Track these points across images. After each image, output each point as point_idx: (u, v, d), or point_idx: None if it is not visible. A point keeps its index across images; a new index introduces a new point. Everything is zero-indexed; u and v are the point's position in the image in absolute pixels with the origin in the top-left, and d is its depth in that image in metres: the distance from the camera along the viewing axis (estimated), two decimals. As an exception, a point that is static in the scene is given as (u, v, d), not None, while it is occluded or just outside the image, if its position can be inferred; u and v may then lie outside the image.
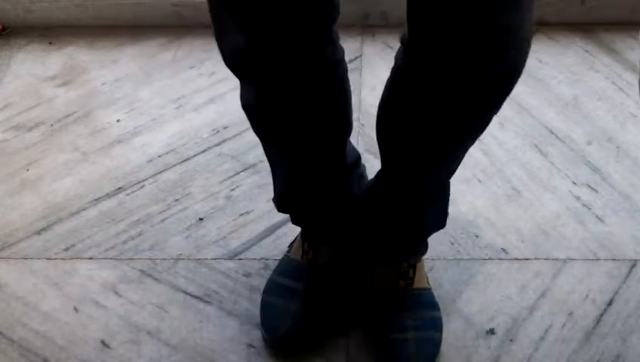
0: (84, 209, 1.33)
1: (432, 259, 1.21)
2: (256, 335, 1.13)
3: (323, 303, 1.11)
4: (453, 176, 1.33)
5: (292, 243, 1.17)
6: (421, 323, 1.07)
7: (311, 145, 0.96)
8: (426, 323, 1.08)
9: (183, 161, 1.40)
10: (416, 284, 1.09)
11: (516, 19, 0.77)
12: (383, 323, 1.08)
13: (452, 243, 1.24)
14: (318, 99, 0.90)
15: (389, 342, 1.06)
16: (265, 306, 1.12)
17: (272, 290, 1.13)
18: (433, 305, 1.10)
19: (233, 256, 1.24)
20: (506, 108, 1.45)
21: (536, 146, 1.39)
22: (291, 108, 0.89)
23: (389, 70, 0.90)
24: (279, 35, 0.79)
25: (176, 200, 1.33)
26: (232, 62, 0.85)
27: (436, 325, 1.09)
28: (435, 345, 1.08)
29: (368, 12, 1.63)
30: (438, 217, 1.07)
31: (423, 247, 1.11)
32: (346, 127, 0.98)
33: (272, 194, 1.31)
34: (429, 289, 1.12)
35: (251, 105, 0.93)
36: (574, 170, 1.34)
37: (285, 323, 1.09)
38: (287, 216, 1.28)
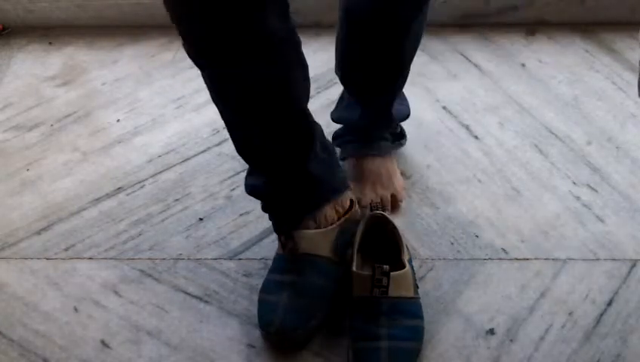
0: (84, 209, 1.33)
1: (432, 259, 1.21)
2: (256, 335, 1.13)
3: (314, 290, 1.11)
4: (453, 176, 1.34)
5: None
6: (397, 333, 1.06)
7: (272, 115, 1.02)
8: (403, 332, 1.06)
9: (183, 161, 1.40)
10: (395, 293, 1.07)
11: None
12: (356, 331, 1.07)
13: (452, 243, 1.24)
14: (269, 70, 0.96)
15: (361, 350, 1.06)
16: (260, 304, 1.13)
17: (266, 288, 1.14)
18: (414, 314, 1.09)
19: (233, 256, 1.24)
20: (506, 108, 1.46)
21: (536, 146, 1.39)
22: (249, 81, 0.95)
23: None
24: (220, 15, 0.86)
25: (176, 200, 1.33)
26: (192, 46, 0.91)
27: (415, 335, 1.08)
28: (411, 354, 1.07)
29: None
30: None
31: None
32: (306, 96, 1.05)
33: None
34: (413, 298, 1.10)
35: (222, 90, 0.98)
36: (574, 170, 1.34)
37: (278, 316, 1.09)
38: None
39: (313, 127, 1.08)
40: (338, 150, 1.29)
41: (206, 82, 0.98)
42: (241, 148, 1.09)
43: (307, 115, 1.06)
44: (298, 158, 1.08)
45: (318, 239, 1.13)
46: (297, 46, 0.99)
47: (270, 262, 1.19)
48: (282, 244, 1.13)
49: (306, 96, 1.05)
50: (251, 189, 1.17)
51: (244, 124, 1.03)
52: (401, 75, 1.20)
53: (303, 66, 1.01)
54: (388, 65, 1.16)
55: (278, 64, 0.95)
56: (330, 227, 1.14)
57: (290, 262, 1.13)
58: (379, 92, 1.20)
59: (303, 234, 1.12)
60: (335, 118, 1.32)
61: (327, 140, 1.16)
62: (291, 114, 1.03)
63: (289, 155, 1.07)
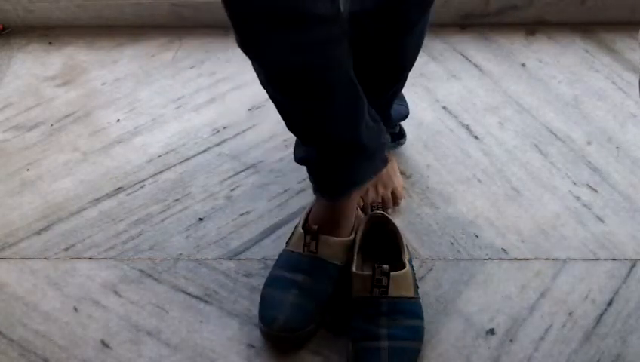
0: (84, 209, 1.33)
1: (432, 259, 1.21)
2: (257, 335, 1.13)
3: (321, 295, 1.11)
4: (453, 176, 1.33)
5: (290, 238, 1.17)
6: (397, 333, 1.06)
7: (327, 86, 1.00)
8: (403, 332, 1.06)
9: (183, 161, 1.40)
10: (395, 293, 1.07)
11: None
12: (356, 331, 1.07)
13: (452, 244, 1.24)
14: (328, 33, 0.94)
15: (361, 350, 1.06)
16: (263, 298, 1.13)
17: (271, 283, 1.13)
18: (414, 314, 1.09)
19: (233, 256, 1.24)
20: (506, 108, 1.46)
21: (536, 146, 1.39)
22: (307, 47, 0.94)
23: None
24: None
25: (176, 200, 1.33)
26: (242, 31, 0.89)
27: (415, 335, 1.08)
28: (411, 354, 1.07)
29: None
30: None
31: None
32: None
33: (272, 194, 1.32)
34: (413, 298, 1.10)
35: (272, 75, 0.97)
36: (574, 170, 1.34)
37: (283, 313, 1.09)
38: (286, 216, 1.29)
39: (362, 93, 1.08)
40: None
41: (254, 67, 0.98)
42: (293, 126, 1.08)
43: (356, 83, 1.06)
44: (351, 126, 1.07)
45: (338, 248, 1.14)
46: (344, 24, 0.98)
47: (270, 263, 1.19)
48: (305, 244, 1.13)
49: (352, 64, 1.05)
50: (300, 159, 1.16)
51: (297, 104, 1.02)
52: (402, 76, 1.20)
53: (348, 40, 1.00)
54: (390, 67, 1.16)
55: (328, 43, 0.95)
56: (351, 237, 1.15)
57: (303, 263, 1.13)
58: (380, 92, 1.20)
59: (326, 240, 1.12)
60: None
61: (373, 110, 1.16)
62: (343, 83, 1.02)
63: (343, 125, 1.06)
